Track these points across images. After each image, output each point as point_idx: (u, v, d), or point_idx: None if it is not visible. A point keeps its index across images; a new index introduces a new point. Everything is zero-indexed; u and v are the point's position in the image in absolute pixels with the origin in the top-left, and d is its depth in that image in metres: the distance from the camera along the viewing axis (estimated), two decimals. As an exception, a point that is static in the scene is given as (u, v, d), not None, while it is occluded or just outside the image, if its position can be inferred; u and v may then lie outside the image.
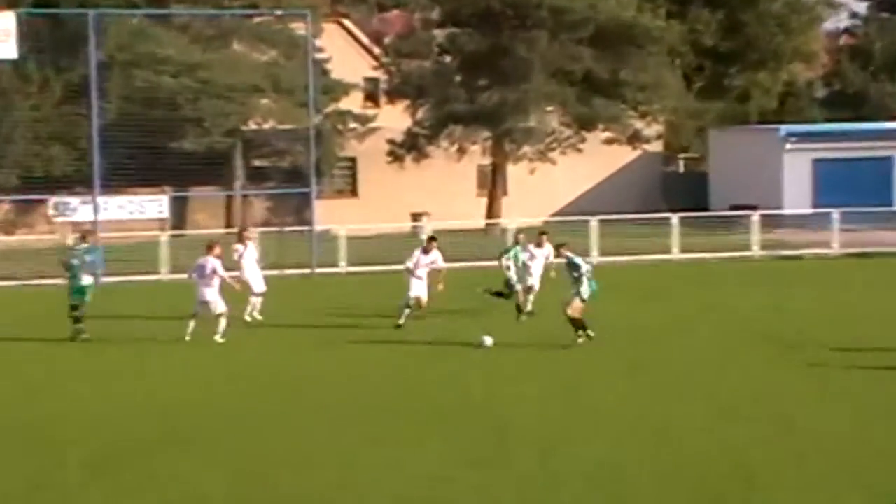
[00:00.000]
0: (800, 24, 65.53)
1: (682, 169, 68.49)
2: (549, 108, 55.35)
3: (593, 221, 43.43)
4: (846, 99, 66.85)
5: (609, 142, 56.16)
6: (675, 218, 44.17)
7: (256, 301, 29.42)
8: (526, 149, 54.66)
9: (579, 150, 55.68)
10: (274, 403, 20.30)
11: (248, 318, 29.12)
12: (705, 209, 54.27)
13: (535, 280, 29.42)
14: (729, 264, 41.84)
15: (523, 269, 28.96)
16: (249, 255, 29.66)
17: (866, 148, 55.38)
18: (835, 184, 53.84)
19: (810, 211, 50.67)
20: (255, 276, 29.53)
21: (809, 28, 66.84)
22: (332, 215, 49.95)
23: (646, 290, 35.13)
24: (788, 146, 55.91)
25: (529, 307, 28.95)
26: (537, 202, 57.04)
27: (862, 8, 79.58)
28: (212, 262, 26.24)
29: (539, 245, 29.89)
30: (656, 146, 61.29)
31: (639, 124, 56.41)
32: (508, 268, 28.59)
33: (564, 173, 57.80)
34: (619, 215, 46.19)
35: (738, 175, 57.71)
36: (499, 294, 28.74)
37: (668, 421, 18.37)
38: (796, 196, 54.22)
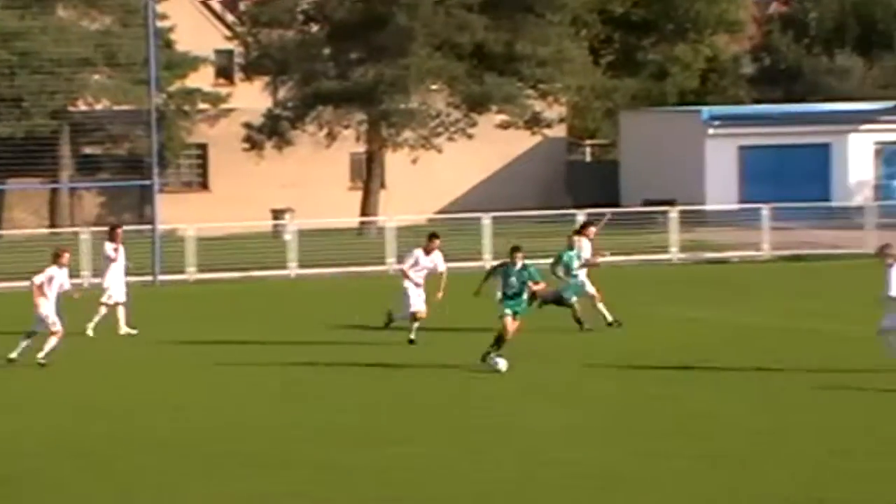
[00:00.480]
0: (724, -11, 66.52)
1: (588, 157, 69.11)
2: (434, 87, 55.55)
3: (486, 219, 43.68)
4: (777, 76, 67.92)
5: (504, 126, 56.50)
6: (580, 215, 44.54)
7: (120, 312, 29.68)
8: (407, 134, 54.82)
9: (469, 136, 55.95)
10: (110, 438, 20.16)
11: (90, 333, 29.19)
12: (616, 204, 54.80)
13: (589, 285, 29.69)
14: (643, 268, 42.29)
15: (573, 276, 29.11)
16: (120, 258, 29.93)
17: (801, 133, 56.31)
18: (764, 175, 54.71)
19: (737, 206, 51.41)
20: (120, 283, 29.81)
21: (735, -7, 67.86)
22: (178, 212, 49.68)
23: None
24: (711, 131, 56.71)
25: (608, 317, 29.16)
26: (420, 196, 57.24)
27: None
28: (49, 272, 26.03)
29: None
30: (559, 131, 61.78)
31: (539, 105, 56.83)
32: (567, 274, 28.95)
33: (452, 163, 58.04)
34: (516, 212, 46.51)
35: (653, 165, 58.40)
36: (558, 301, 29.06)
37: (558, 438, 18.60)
38: (720, 189, 54.99)
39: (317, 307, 34.61)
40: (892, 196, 54.29)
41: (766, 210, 45.58)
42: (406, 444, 19.18)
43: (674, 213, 45.30)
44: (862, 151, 56.73)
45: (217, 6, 63.69)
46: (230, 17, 61.92)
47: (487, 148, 59.01)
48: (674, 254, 44.58)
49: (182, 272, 41.46)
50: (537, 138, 59.59)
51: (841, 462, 17.83)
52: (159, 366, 26.33)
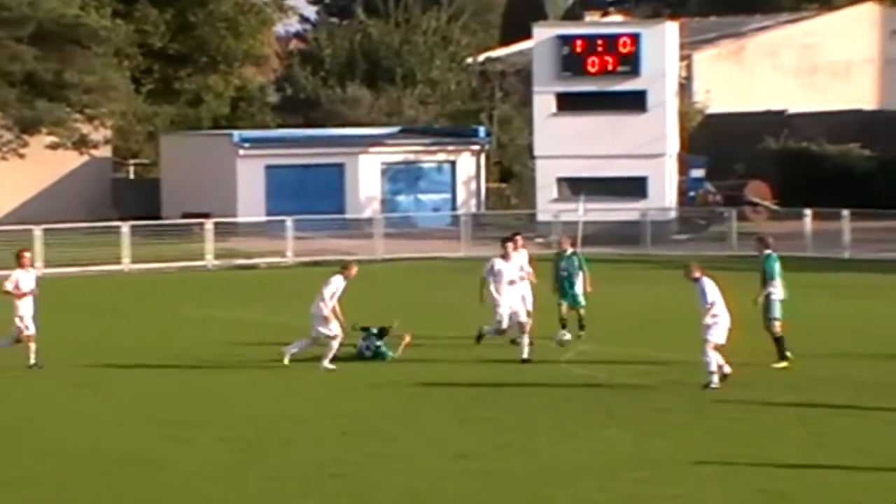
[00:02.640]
0: (249, 26, 66.72)
1: (132, 175, 68.19)
2: (-13, 111, 53.86)
3: (37, 231, 42.64)
4: (298, 104, 68.60)
5: (53, 147, 55.26)
6: (125, 227, 44.03)
7: None
8: (-37, 154, 52.96)
9: (21, 156, 54.46)
10: None
11: None
12: (157, 217, 54.29)
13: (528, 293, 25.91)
14: (182, 274, 42.12)
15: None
16: None
17: (319, 154, 57.09)
18: (288, 190, 55.19)
19: (264, 219, 51.70)
20: None
21: (259, 31, 68.20)
22: None
23: (96, 303, 34.89)
24: (242, 152, 56.81)
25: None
26: (-23, 211, 55.33)
27: (312, 12, 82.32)
28: None
29: (514, 249, 25.74)
30: (105, 151, 60.75)
31: (86, 128, 55.81)
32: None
33: (5, 180, 56.32)
34: (66, 224, 45.55)
35: (190, 182, 58.08)
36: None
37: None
38: (250, 203, 55.14)
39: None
40: (396, 209, 55.74)
41: (289, 222, 46.03)
42: None
43: (209, 224, 45.24)
44: (371, 170, 57.82)
45: None
46: None
47: (38, 166, 57.50)
48: (209, 261, 44.51)
49: None
50: (85, 158, 58.47)
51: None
52: None
